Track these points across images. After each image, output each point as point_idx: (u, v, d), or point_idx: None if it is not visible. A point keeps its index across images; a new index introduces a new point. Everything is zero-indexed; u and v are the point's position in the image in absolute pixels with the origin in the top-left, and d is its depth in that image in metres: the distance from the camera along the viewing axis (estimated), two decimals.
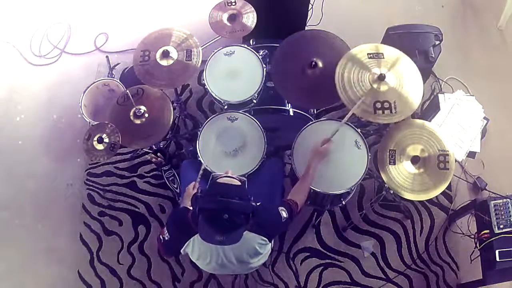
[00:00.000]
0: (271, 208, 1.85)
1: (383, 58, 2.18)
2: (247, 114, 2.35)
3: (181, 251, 1.82)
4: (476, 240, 2.31)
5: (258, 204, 1.68)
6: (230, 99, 2.34)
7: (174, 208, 2.79)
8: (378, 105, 2.10)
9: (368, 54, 2.18)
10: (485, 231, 2.24)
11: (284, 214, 1.83)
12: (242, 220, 1.61)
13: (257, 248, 1.81)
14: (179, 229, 1.81)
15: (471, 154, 2.37)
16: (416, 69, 2.19)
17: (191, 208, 1.80)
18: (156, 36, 2.39)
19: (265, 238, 1.80)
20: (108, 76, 2.81)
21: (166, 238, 1.81)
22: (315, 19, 3.01)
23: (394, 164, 2.15)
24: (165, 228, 1.84)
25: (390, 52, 2.21)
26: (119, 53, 3.27)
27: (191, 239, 1.77)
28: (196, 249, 1.80)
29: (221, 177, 1.72)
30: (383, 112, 2.09)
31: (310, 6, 2.82)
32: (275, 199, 2.21)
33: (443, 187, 2.11)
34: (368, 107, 2.10)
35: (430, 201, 2.75)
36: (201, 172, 2.16)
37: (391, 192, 2.21)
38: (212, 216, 1.60)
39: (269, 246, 1.90)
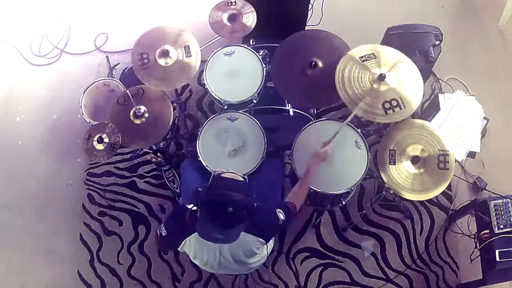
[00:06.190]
0: (269, 209, 1.84)
1: (375, 58, 2.16)
2: (247, 114, 2.35)
3: (178, 249, 1.82)
4: (476, 240, 2.31)
5: (257, 204, 1.68)
6: (230, 99, 2.34)
7: (173, 205, 2.79)
8: (387, 105, 2.09)
9: (360, 57, 2.16)
10: (485, 231, 2.24)
11: (281, 216, 1.82)
12: (245, 216, 1.60)
13: (254, 249, 1.81)
14: (176, 227, 1.81)
15: (471, 154, 2.37)
16: (416, 69, 2.19)
17: (189, 207, 1.81)
18: (151, 35, 2.36)
19: (261, 240, 1.80)
20: (108, 76, 2.80)
21: (163, 234, 1.82)
22: (315, 19, 3.01)
23: (394, 164, 2.15)
24: (162, 224, 1.84)
25: (390, 53, 2.21)
26: (119, 53, 3.27)
27: (187, 238, 1.77)
28: (193, 248, 1.80)
29: (225, 173, 1.72)
30: (394, 111, 2.08)
31: (310, 6, 2.82)
32: (274, 199, 2.20)
33: (443, 187, 2.11)
34: (378, 109, 2.09)
35: (430, 201, 2.75)
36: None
37: (391, 192, 2.21)
38: (215, 210, 1.58)
39: (265, 248, 1.89)
